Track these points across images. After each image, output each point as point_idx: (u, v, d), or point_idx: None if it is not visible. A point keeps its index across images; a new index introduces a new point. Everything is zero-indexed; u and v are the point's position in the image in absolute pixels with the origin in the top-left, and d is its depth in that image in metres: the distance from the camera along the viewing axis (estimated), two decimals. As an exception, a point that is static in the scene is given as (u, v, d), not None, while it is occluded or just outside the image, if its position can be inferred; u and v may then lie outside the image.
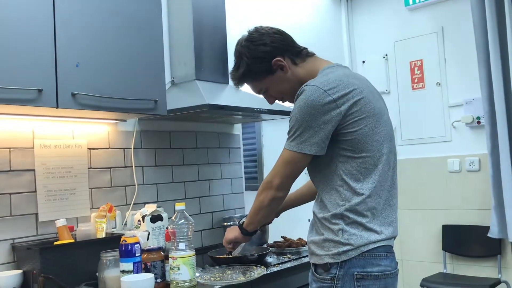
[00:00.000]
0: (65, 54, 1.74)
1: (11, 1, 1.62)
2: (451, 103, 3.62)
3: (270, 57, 1.60)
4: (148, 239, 1.99)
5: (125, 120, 2.32)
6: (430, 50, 3.72)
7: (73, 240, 1.94)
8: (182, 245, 1.76)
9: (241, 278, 1.87)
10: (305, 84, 1.50)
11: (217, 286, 1.80)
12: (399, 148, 3.79)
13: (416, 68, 3.80)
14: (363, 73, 3.96)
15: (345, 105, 1.44)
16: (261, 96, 2.71)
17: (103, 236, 2.04)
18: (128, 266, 1.72)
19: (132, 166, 2.37)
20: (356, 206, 1.46)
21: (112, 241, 1.92)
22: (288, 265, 2.17)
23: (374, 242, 1.46)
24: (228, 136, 2.92)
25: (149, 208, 2.11)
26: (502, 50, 3.18)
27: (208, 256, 2.23)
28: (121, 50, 1.94)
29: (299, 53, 1.64)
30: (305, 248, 2.45)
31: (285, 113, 2.56)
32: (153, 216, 2.09)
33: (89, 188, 2.20)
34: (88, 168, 2.20)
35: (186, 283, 1.75)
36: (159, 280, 1.80)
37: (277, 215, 1.99)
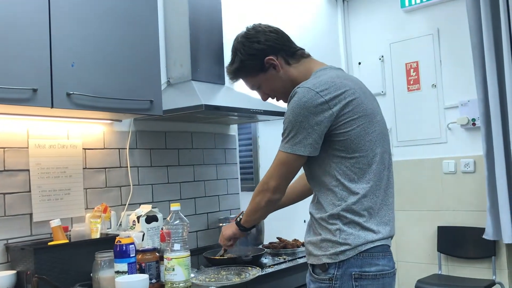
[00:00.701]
0: (60, 54, 1.74)
1: (6, 0, 1.61)
2: (447, 104, 3.63)
3: (263, 55, 1.61)
4: (143, 240, 1.98)
5: (120, 120, 2.32)
6: (425, 52, 3.73)
7: (67, 241, 1.94)
8: (177, 246, 1.75)
9: (236, 279, 1.87)
10: (297, 86, 1.52)
11: (212, 287, 1.80)
12: (394, 149, 3.80)
13: (411, 70, 3.81)
14: (359, 75, 4.01)
15: (337, 106, 1.46)
16: (257, 97, 2.71)
17: (98, 236, 2.03)
18: (123, 266, 1.71)
19: (127, 167, 2.37)
20: (352, 206, 1.47)
21: (107, 241, 1.92)
22: (283, 266, 2.17)
23: (372, 241, 1.47)
24: (224, 137, 2.92)
25: (144, 209, 2.10)
26: (497, 52, 3.19)
27: (204, 257, 2.23)
28: (116, 50, 1.93)
29: (293, 54, 1.65)
30: (301, 249, 2.45)
31: (281, 114, 2.56)
32: (148, 216, 2.08)
33: (84, 189, 2.19)
34: (83, 168, 2.19)
35: (181, 284, 1.75)
36: (153, 281, 1.80)
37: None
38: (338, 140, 1.48)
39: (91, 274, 1.80)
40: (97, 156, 2.25)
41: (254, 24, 1.68)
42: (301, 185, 1.96)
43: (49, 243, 1.88)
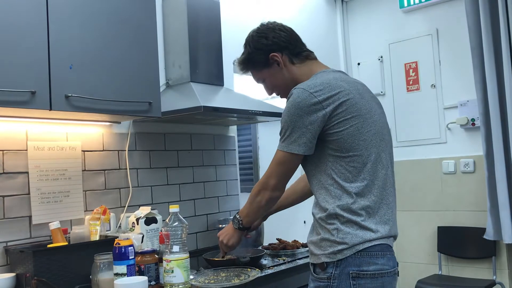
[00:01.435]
0: (58, 56, 1.74)
1: (4, 3, 1.61)
2: (446, 105, 3.63)
3: (268, 51, 1.68)
4: (142, 242, 1.98)
5: (119, 122, 2.32)
6: (425, 52, 3.72)
7: (66, 243, 1.93)
8: (176, 248, 1.75)
9: (235, 281, 1.87)
10: (294, 87, 1.57)
11: (211, 289, 1.80)
12: (394, 150, 3.78)
13: (411, 70, 3.81)
14: (358, 75, 4.00)
15: (330, 107, 1.50)
16: (256, 98, 2.72)
17: (97, 238, 2.03)
18: (122, 269, 1.71)
19: (126, 168, 2.37)
20: (350, 205, 1.50)
21: (106, 243, 1.92)
22: (283, 267, 2.17)
23: (370, 240, 1.48)
24: (223, 138, 2.92)
25: (144, 211, 2.10)
26: (496, 52, 3.19)
27: (203, 258, 2.23)
28: (115, 52, 1.93)
29: (298, 54, 1.70)
30: (300, 250, 2.45)
31: (280, 115, 2.55)
32: (148, 218, 2.08)
33: (83, 191, 2.19)
34: (82, 171, 2.19)
35: (180, 286, 1.74)
36: (153, 283, 1.80)
37: (265, 219, 2.07)
38: (332, 140, 1.52)
39: (90, 276, 1.80)
40: (96, 158, 2.25)
41: (268, 21, 1.76)
42: (301, 186, 1.98)
43: (48, 246, 1.88)
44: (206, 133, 2.80)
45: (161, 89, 2.42)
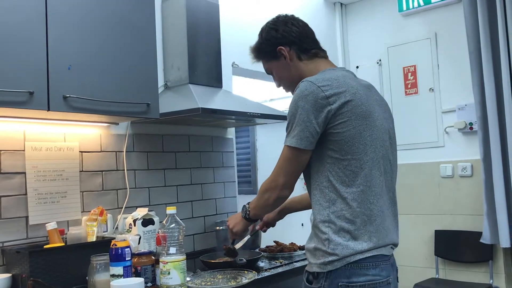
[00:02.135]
0: (57, 57, 1.74)
1: (2, 2, 1.61)
2: (444, 108, 3.64)
3: (277, 43, 1.68)
4: (139, 243, 1.98)
5: (117, 123, 2.32)
6: (423, 55, 3.73)
7: (63, 244, 1.93)
8: (172, 250, 1.75)
9: (232, 283, 1.87)
10: (302, 80, 1.54)
11: (208, 291, 1.80)
12: (392, 153, 3.79)
13: (409, 74, 3.81)
14: (356, 78, 3.98)
15: (336, 103, 1.46)
16: (255, 100, 2.72)
17: (94, 239, 2.03)
18: (118, 270, 1.71)
19: (124, 170, 2.36)
20: (343, 211, 1.47)
21: (103, 244, 1.91)
22: (280, 270, 2.17)
23: (361, 252, 1.45)
24: (221, 140, 2.92)
25: (141, 212, 2.10)
26: (494, 56, 3.20)
27: (200, 260, 2.23)
28: (113, 53, 1.93)
29: (306, 50, 1.69)
30: (297, 253, 2.46)
31: (279, 117, 2.56)
32: (145, 220, 2.08)
33: (81, 192, 2.19)
34: (80, 171, 2.19)
35: (177, 288, 1.74)
36: (149, 284, 1.80)
37: (281, 217, 2.07)
38: (333, 140, 1.48)
39: (87, 278, 1.79)
40: (93, 159, 2.25)
41: (286, 14, 1.76)
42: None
43: (45, 246, 1.87)
44: (204, 135, 2.80)
45: (160, 91, 2.42)
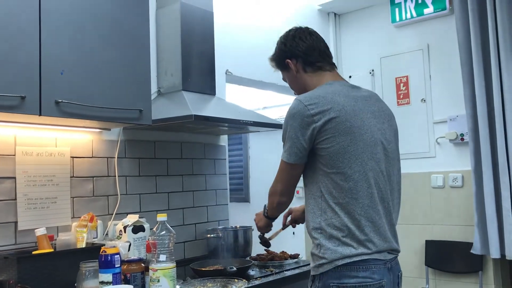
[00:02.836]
0: (50, 62, 1.73)
1: (-4, 7, 1.61)
2: (436, 119, 3.66)
3: (285, 57, 1.82)
4: (129, 250, 1.97)
5: (109, 129, 2.31)
6: (415, 66, 3.76)
7: (52, 250, 1.91)
8: (162, 257, 1.74)
9: (222, 291, 1.86)
10: (295, 97, 1.67)
11: (198, 299, 1.79)
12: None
13: (401, 84, 3.84)
14: (349, 88, 3.99)
15: (320, 121, 1.57)
16: (248, 108, 2.73)
17: (84, 246, 2.01)
18: (107, 277, 1.69)
19: (115, 176, 2.35)
20: (332, 220, 1.57)
21: (92, 251, 1.90)
22: (271, 278, 2.16)
23: (349, 256, 1.54)
24: (214, 147, 2.91)
25: (131, 219, 2.09)
26: (485, 68, 3.23)
27: (190, 268, 2.21)
28: (107, 59, 1.93)
29: (311, 64, 1.79)
30: (288, 261, 2.46)
31: (271, 125, 2.57)
32: (135, 226, 2.07)
33: (71, 197, 2.17)
34: (71, 177, 2.18)
35: (166, 295, 1.73)
36: (138, 291, 1.78)
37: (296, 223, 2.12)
38: (320, 155, 1.60)
39: (76, 284, 1.78)
40: (85, 165, 2.24)
41: (299, 28, 1.88)
42: None
43: (34, 252, 1.86)
44: (196, 142, 2.80)
45: (153, 97, 2.41)
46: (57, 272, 1.82)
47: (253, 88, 3.48)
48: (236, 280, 1.97)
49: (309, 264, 2.41)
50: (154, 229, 1.78)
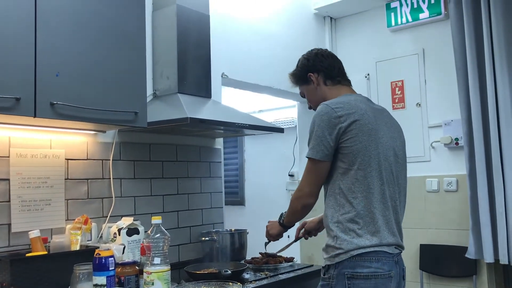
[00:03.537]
0: (45, 63, 1.73)
1: (-9, 8, 1.60)
2: (431, 123, 3.67)
3: (307, 70, 2.02)
4: (123, 253, 1.96)
5: (104, 131, 2.30)
6: (411, 71, 3.77)
7: (46, 252, 1.90)
8: (157, 260, 1.73)
9: (216, 294, 1.85)
10: (321, 103, 1.84)
11: (192, 302, 1.78)
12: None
13: (397, 89, 3.85)
14: (345, 92, 4.00)
15: (346, 122, 1.75)
16: (243, 111, 2.74)
17: (78, 248, 2.00)
18: (101, 280, 1.69)
19: (110, 178, 2.35)
20: (349, 213, 1.73)
21: (87, 254, 1.89)
22: (265, 282, 2.16)
23: (364, 247, 1.70)
24: (209, 150, 2.91)
25: (126, 221, 2.08)
26: (480, 74, 3.24)
27: (185, 271, 2.21)
28: (102, 61, 1.93)
29: (332, 77, 1.99)
30: (283, 265, 2.46)
31: (267, 128, 2.57)
32: (130, 229, 2.06)
33: (65, 199, 2.16)
34: (65, 179, 2.17)
35: (160, 299, 1.72)
36: (133, 294, 1.78)
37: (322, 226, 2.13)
38: (342, 153, 1.76)
39: (69, 287, 1.77)
40: (79, 167, 2.23)
41: (318, 48, 2.09)
42: None
43: (27, 255, 1.85)
44: (192, 145, 2.79)
45: (148, 99, 2.41)
46: (51, 274, 1.81)
47: (249, 91, 3.48)
48: (230, 283, 1.97)
49: (304, 268, 2.45)
50: (149, 231, 1.78)
